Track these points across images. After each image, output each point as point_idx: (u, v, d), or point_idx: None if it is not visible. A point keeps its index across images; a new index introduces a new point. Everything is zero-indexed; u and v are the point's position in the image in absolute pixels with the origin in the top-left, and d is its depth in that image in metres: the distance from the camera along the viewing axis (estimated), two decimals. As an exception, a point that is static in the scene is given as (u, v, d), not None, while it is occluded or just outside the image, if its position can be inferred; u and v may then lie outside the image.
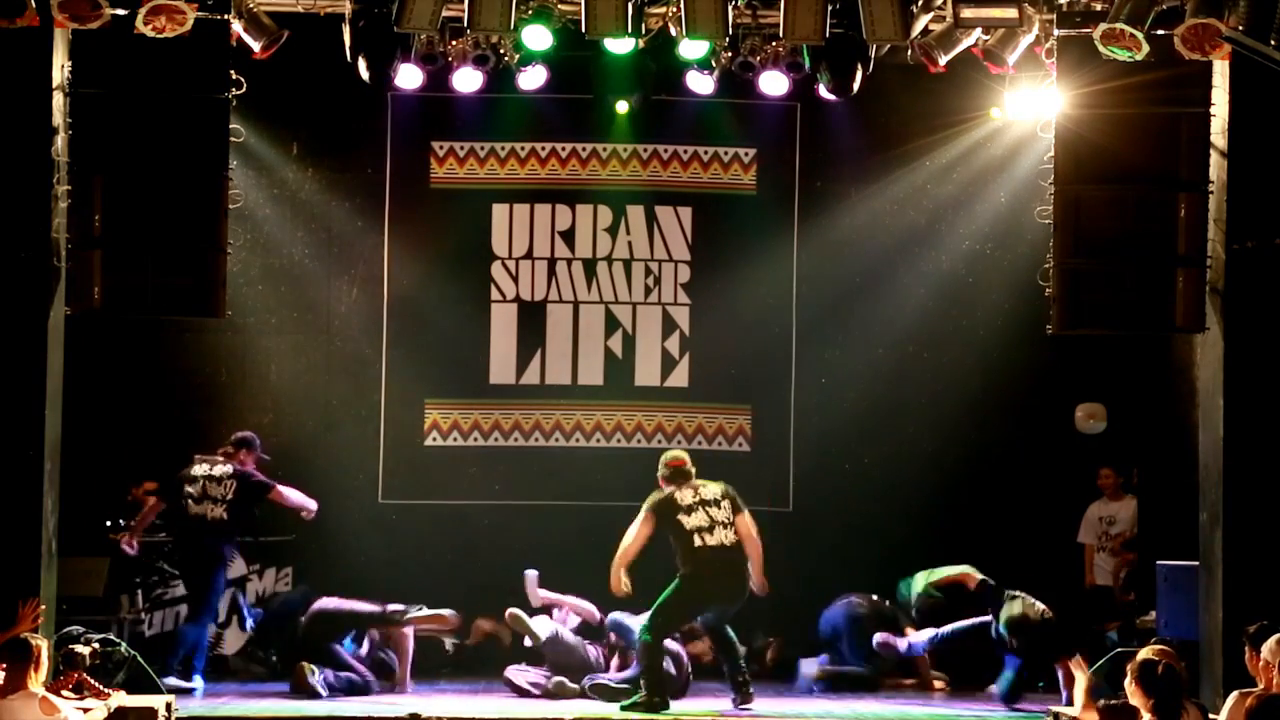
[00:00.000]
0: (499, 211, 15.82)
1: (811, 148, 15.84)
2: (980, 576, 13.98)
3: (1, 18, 11.06)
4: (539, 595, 14.22)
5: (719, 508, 12.88)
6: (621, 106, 15.09)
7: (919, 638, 13.96)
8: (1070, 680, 12.47)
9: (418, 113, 15.47)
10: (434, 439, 15.63)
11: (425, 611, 13.89)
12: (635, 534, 12.91)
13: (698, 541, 12.78)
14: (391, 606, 13.80)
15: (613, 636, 13.87)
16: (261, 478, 14.00)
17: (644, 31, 12.43)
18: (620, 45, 12.79)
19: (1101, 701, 8.95)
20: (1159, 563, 12.61)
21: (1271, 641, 8.75)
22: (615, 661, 13.81)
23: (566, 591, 14.30)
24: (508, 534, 15.12)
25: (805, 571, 14.77)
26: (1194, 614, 11.78)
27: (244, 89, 11.66)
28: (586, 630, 14.06)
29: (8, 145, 11.29)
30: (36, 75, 11.31)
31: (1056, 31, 11.77)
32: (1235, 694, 8.54)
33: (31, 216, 11.29)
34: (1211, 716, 8.87)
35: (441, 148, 15.78)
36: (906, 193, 15.85)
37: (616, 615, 13.74)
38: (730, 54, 13.26)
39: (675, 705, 12.92)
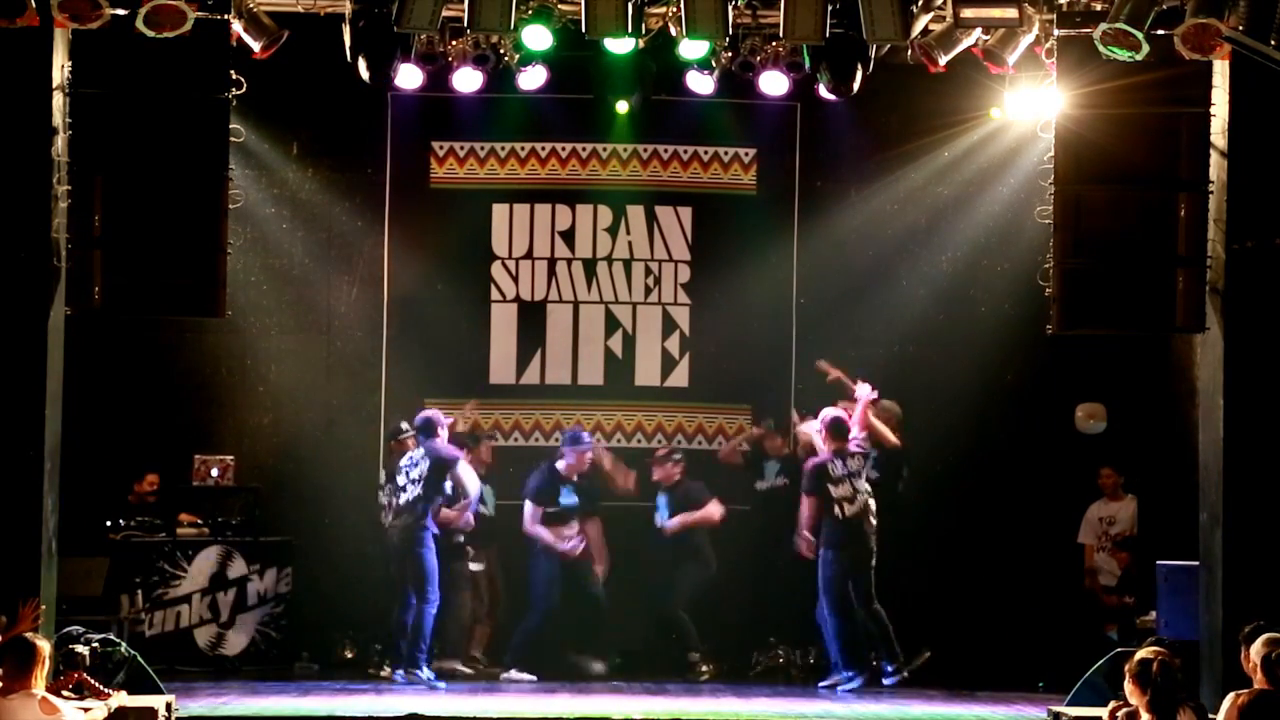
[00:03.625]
0: (499, 211, 15.83)
1: (811, 148, 15.84)
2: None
3: (1, 18, 11.05)
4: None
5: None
6: (621, 106, 15.08)
7: None
8: None
9: (418, 113, 15.48)
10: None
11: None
12: None
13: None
14: None
15: None
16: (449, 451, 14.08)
17: (644, 31, 12.42)
18: (620, 45, 12.78)
19: (1113, 703, 9.00)
20: (1159, 563, 12.60)
21: (1258, 643, 8.76)
22: None
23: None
24: (508, 533, 15.08)
25: (804, 570, 14.75)
26: (1194, 614, 11.77)
27: (244, 89, 11.65)
28: None
29: (8, 145, 11.27)
30: (36, 75, 11.29)
31: (1056, 31, 11.76)
32: (1231, 694, 8.55)
33: (31, 216, 11.27)
34: (1211, 716, 8.88)
35: (441, 148, 15.79)
36: (906, 193, 15.85)
37: None
38: (730, 54, 13.27)
39: (675, 704, 12.97)
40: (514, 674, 14.27)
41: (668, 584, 14.73)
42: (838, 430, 14.22)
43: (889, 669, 14.14)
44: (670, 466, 14.84)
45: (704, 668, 14.54)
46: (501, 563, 15.00)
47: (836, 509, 14.11)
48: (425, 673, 13.84)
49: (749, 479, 15.21)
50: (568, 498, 14.53)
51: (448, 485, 14.14)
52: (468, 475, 14.11)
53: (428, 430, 14.11)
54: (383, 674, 14.22)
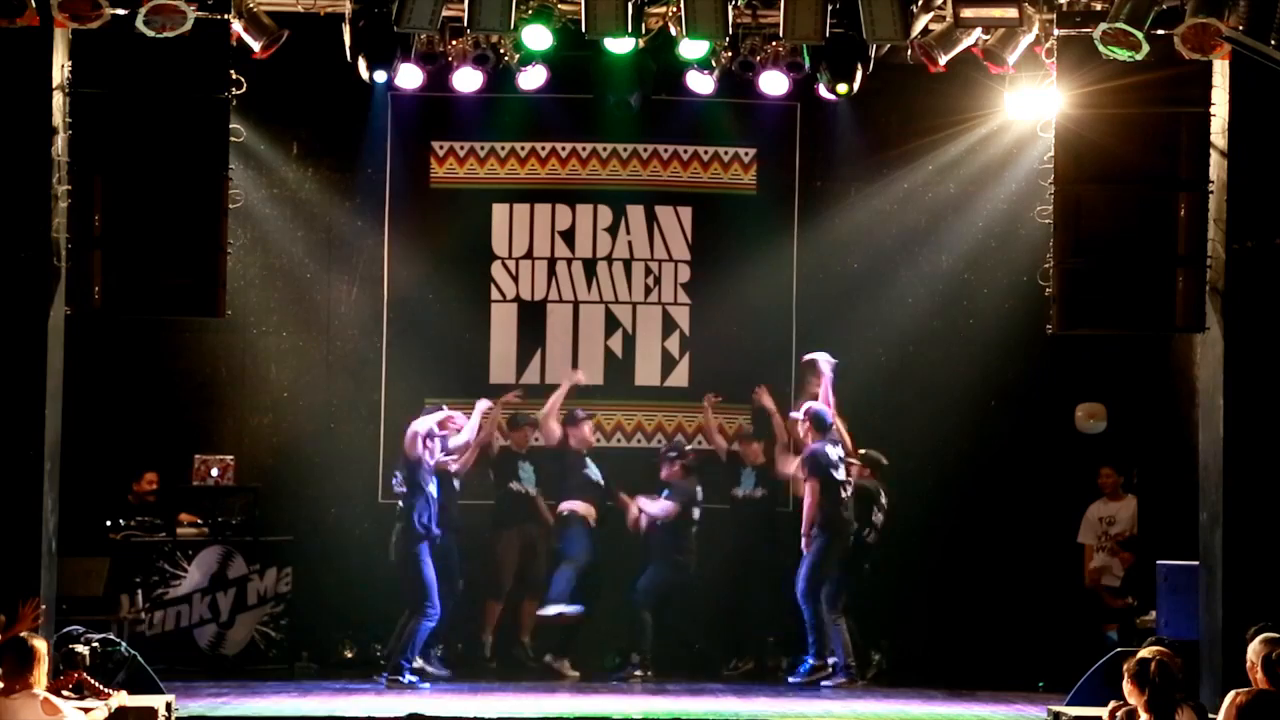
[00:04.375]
0: (499, 211, 15.83)
1: (811, 147, 15.84)
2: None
3: (1, 18, 11.05)
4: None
5: None
6: (622, 107, 15.06)
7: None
8: None
9: (418, 113, 15.48)
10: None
11: None
12: None
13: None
14: None
15: None
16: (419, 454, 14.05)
17: (644, 31, 12.43)
18: (620, 45, 12.79)
19: (1112, 703, 9.00)
20: (1159, 562, 12.60)
21: (1257, 642, 8.77)
22: None
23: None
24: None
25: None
26: (1194, 614, 11.77)
27: (244, 89, 11.66)
28: None
29: (8, 145, 11.28)
30: (36, 75, 11.30)
31: (1056, 31, 11.76)
32: (1231, 694, 8.56)
33: (31, 216, 11.28)
34: (1211, 716, 8.88)
35: (441, 148, 15.78)
36: (907, 192, 15.85)
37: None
38: (730, 54, 13.27)
39: (675, 704, 12.98)
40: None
41: (638, 580, 14.72)
42: (819, 422, 14.30)
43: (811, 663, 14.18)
44: (671, 466, 14.82)
45: (638, 673, 14.49)
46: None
47: (841, 491, 14.18)
48: (408, 677, 13.82)
49: (728, 479, 15.15)
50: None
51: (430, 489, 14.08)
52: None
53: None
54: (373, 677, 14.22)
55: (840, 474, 14.23)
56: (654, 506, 14.67)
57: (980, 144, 15.27)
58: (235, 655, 14.87)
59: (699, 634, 15.13)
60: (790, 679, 14.20)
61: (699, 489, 14.81)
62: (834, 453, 14.24)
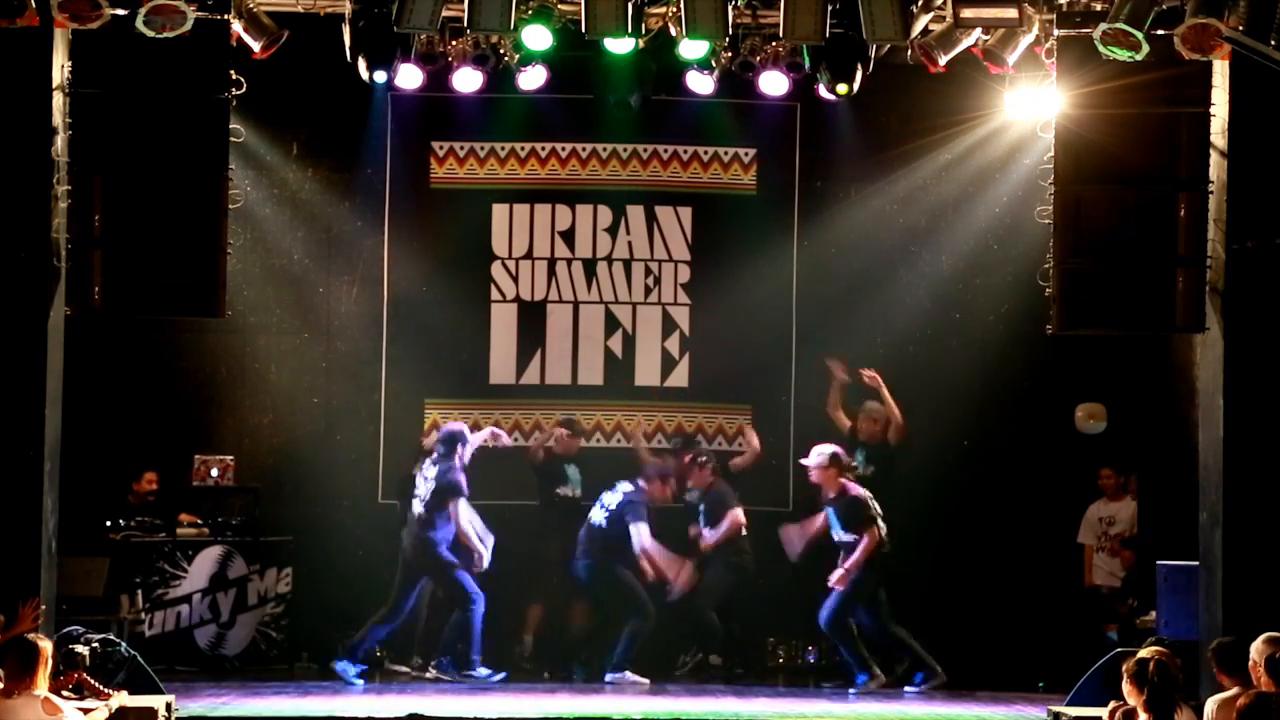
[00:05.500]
0: (499, 211, 15.83)
1: (811, 148, 15.85)
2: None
3: (1, 18, 11.05)
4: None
5: None
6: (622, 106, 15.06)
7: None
8: None
9: (418, 113, 15.49)
10: (434, 439, 15.58)
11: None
12: None
13: None
14: None
15: None
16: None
17: (644, 31, 12.43)
18: (620, 45, 12.79)
19: (1112, 703, 9.01)
20: (1159, 563, 12.61)
21: (1259, 642, 8.77)
22: None
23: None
24: (507, 534, 15.07)
25: (803, 571, 14.78)
26: (1194, 614, 11.77)
27: (244, 89, 11.66)
28: None
29: (8, 145, 11.27)
30: (36, 75, 11.29)
31: (1056, 31, 11.76)
32: (1213, 700, 8.57)
33: (31, 216, 11.27)
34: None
35: (441, 148, 15.79)
36: (906, 193, 15.85)
37: None
38: (730, 54, 13.27)
39: (675, 704, 12.98)
40: (627, 675, 14.24)
41: (700, 585, 14.69)
42: (839, 460, 14.30)
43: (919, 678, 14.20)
44: (701, 471, 14.76)
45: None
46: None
47: (883, 542, 14.23)
48: (481, 671, 13.97)
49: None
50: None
51: (461, 518, 14.11)
52: (465, 519, 14.09)
53: (449, 445, 14.13)
54: (426, 675, 14.27)
55: (882, 521, 14.23)
56: (719, 533, 14.55)
57: (980, 144, 15.27)
58: (235, 655, 14.89)
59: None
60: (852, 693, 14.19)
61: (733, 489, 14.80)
62: (872, 500, 14.26)
